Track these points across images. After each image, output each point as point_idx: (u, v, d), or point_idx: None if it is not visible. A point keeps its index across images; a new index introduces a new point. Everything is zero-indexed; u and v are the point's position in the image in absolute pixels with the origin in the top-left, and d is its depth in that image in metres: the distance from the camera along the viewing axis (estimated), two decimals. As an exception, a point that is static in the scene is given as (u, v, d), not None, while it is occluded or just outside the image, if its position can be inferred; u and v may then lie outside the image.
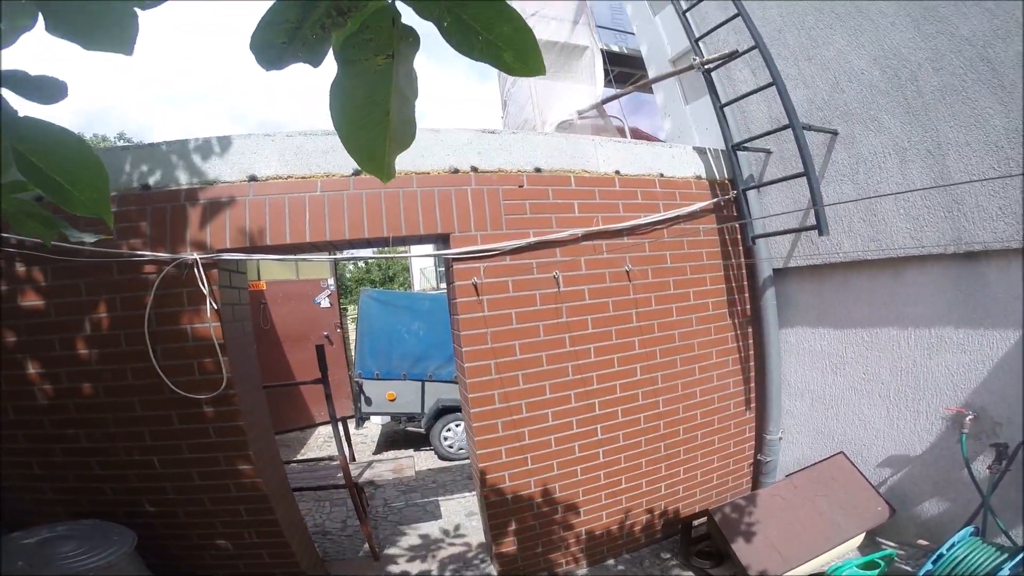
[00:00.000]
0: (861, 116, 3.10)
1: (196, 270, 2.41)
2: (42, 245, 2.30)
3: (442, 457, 5.87)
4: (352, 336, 8.07)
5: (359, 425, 6.02)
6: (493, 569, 3.27)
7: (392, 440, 6.80)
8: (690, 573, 3.20)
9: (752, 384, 3.70)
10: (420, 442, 6.30)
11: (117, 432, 2.54)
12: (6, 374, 2.46)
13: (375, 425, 6.46)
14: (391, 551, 3.82)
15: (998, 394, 2.68)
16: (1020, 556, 2.24)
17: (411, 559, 3.63)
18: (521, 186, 2.97)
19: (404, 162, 2.72)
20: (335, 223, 2.62)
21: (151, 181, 2.50)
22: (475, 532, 3.92)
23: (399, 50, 0.67)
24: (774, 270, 3.57)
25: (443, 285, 20.37)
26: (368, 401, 5.77)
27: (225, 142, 2.58)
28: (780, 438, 3.62)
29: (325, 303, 7.51)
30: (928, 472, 3.00)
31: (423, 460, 5.94)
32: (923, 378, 2.98)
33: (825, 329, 3.48)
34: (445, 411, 5.77)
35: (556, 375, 3.06)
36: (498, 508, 3.04)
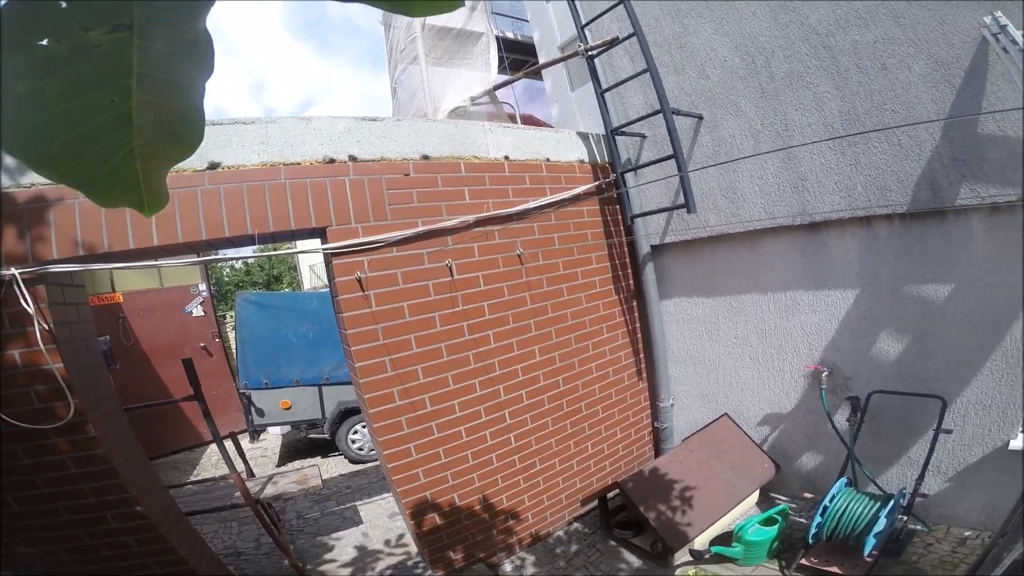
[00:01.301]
0: (723, 101, 3.43)
1: (16, 287, 2.08)
2: None
3: (353, 461, 5.73)
4: (234, 345, 7.49)
5: (254, 439, 5.68)
6: (428, 569, 3.28)
7: (296, 449, 6.51)
8: (613, 543, 3.43)
9: (642, 355, 4.01)
10: (328, 448, 6.11)
11: None
12: None
13: (274, 436, 6.14)
14: (317, 565, 3.71)
15: (845, 350, 3.14)
16: (891, 504, 2.57)
17: (345, 572, 3.55)
18: (407, 175, 2.93)
19: (270, 153, 2.57)
20: (188, 222, 2.40)
21: None
22: (403, 536, 3.91)
23: (152, 11, 0.41)
24: (652, 246, 3.88)
25: None
26: (260, 412, 5.44)
27: None
28: (672, 404, 3.97)
29: (198, 311, 6.91)
30: (800, 427, 3.46)
31: (333, 466, 5.77)
32: (784, 339, 3.43)
33: (699, 298, 3.87)
34: (349, 413, 5.61)
35: (458, 365, 3.10)
36: (418, 507, 3.05)
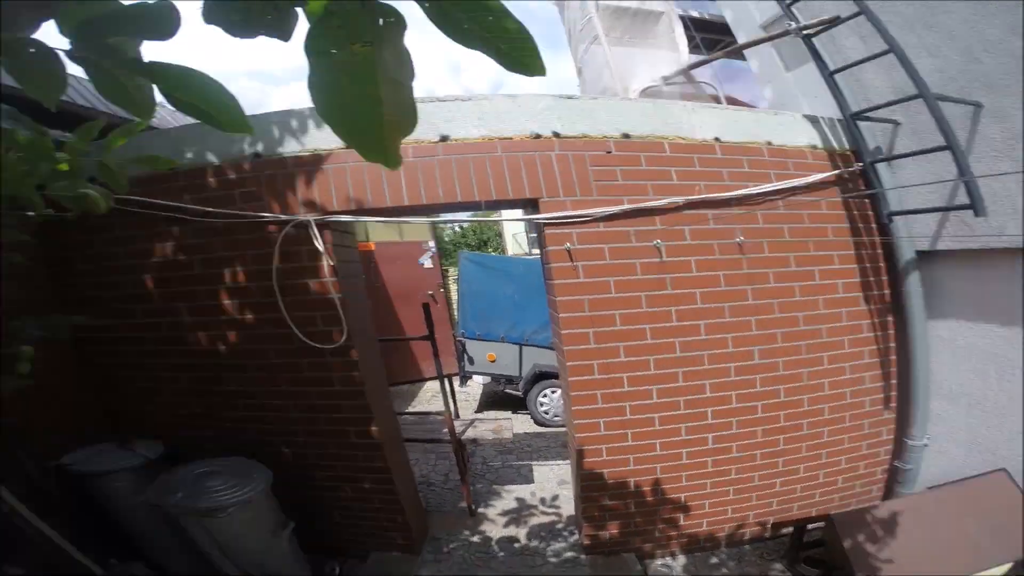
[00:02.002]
0: (1011, 89, 2.55)
1: (311, 230, 2.64)
2: (182, 208, 2.68)
3: (538, 422, 6.08)
4: (454, 296, 8.49)
5: (463, 383, 6.40)
6: (581, 543, 3.36)
7: (492, 400, 7.16)
8: (791, 576, 3.04)
9: (893, 381, 3.30)
10: (518, 405, 6.56)
11: (257, 377, 2.97)
12: (167, 321, 2.94)
13: (477, 384, 6.82)
14: (485, 510, 4.08)
15: None
16: None
17: (503, 521, 3.86)
18: (609, 152, 2.87)
19: (487, 128, 2.79)
20: (429, 188, 2.74)
21: (260, 149, 2.77)
22: (566, 502, 4.05)
23: (381, 34, 0.64)
24: (918, 252, 3.10)
25: (535, 251, 20.61)
26: (470, 360, 6.13)
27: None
28: (925, 445, 3.22)
29: (428, 264, 7.95)
30: None
31: (520, 423, 6.18)
32: None
33: (988, 325, 2.96)
34: (542, 376, 5.93)
35: (661, 350, 2.99)
36: (592, 482, 3.10)
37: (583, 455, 3.04)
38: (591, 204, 2.83)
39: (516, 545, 3.56)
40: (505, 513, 3.98)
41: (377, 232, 7.74)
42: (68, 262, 2.97)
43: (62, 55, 0.82)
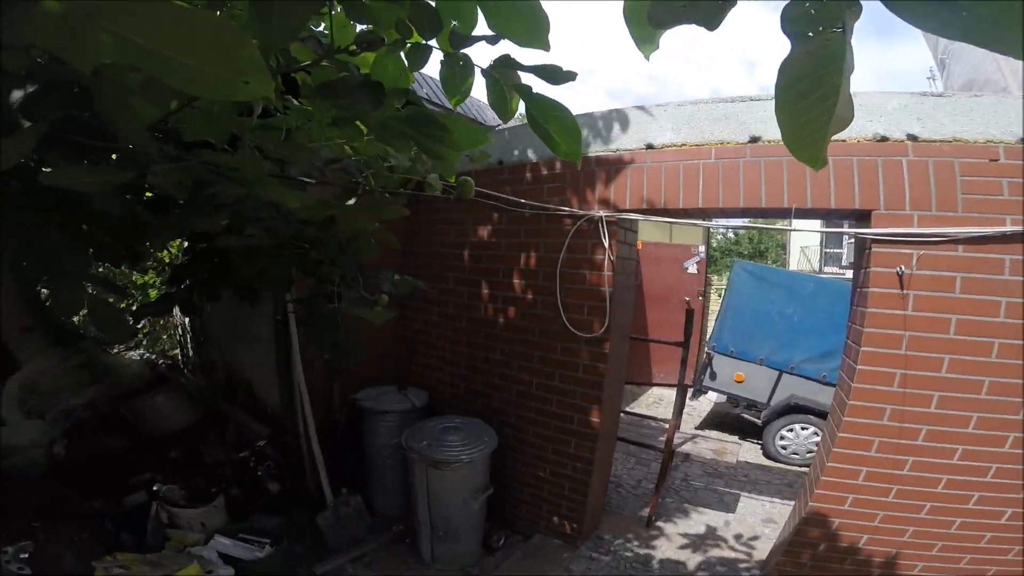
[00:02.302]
0: None
1: (600, 226, 2.86)
2: (500, 198, 3.18)
3: (768, 456, 5.41)
4: (712, 306, 8.02)
5: (694, 396, 6.02)
6: None
7: (719, 421, 6.64)
8: None
9: None
10: (749, 432, 5.93)
11: (518, 351, 3.38)
12: (468, 291, 3.57)
13: (708, 400, 6.38)
14: (665, 525, 3.85)
15: None
16: None
17: (680, 542, 3.60)
18: (995, 160, 2.22)
19: None
20: (729, 190, 2.62)
21: None
22: (762, 544, 3.56)
23: (846, 20, 0.57)
24: None
25: (828, 269, 17.69)
26: (712, 375, 5.73)
27: (622, 114, 2.91)
28: None
29: (692, 269, 7.68)
30: None
31: (745, 451, 5.58)
32: None
33: None
34: (794, 409, 5.21)
35: (996, 409, 2.30)
36: (815, 528, 2.64)
37: (821, 499, 2.59)
38: (949, 222, 2.29)
39: (682, 571, 3.29)
40: (686, 535, 3.69)
41: (646, 232, 7.74)
42: (415, 235, 3.88)
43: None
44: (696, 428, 6.32)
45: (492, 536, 3.49)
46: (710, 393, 5.97)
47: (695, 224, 3.21)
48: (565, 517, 3.42)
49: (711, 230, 8.53)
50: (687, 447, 3.89)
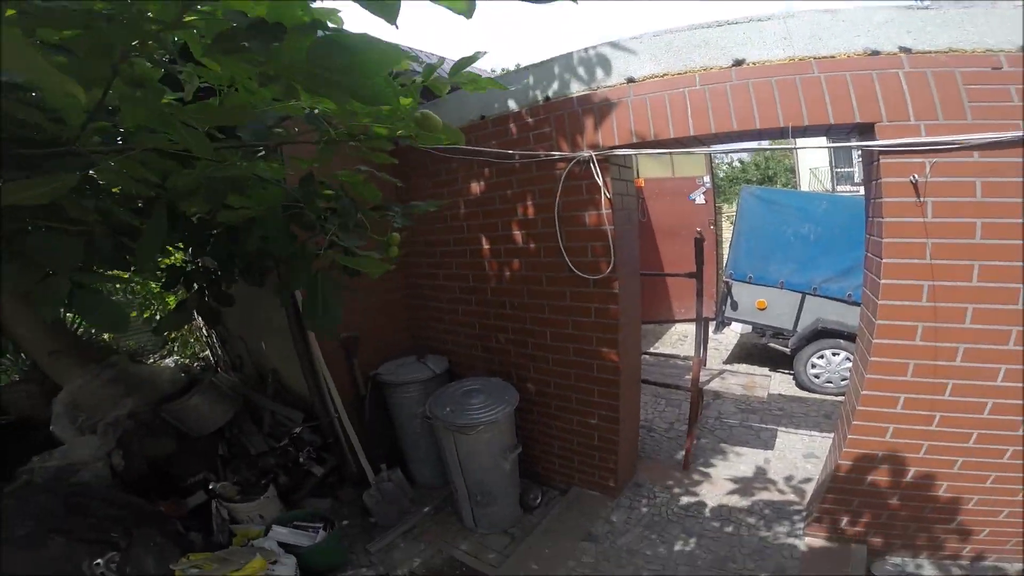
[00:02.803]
0: None
1: (592, 165, 2.75)
2: (482, 152, 3.08)
3: (801, 386, 5.28)
4: (726, 235, 7.86)
5: (718, 329, 5.90)
6: (807, 534, 2.90)
7: (747, 353, 6.51)
8: None
9: None
10: (779, 362, 5.78)
11: (528, 303, 3.33)
12: (470, 248, 3.52)
13: (733, 333, 6.24)
14: (703, 467, 3.79)
15: None
16: None
17: (721, 484, 3.54)
18: (997, 68, 2.05)
19: (795, 48, 2.33)
20: (719, 115, 2.47)
21: (550, 93, 2.92)
22: (804, 480, 3.50)
23: None
24: None
25: (840, 189, 17.03)
26: (734, 306, 5.58)
27: (598, 51, 2.74)
28: None
29: (700, 199, 7.51)
30: None
31: (778, 383, 5.46)
32: None
33: None
34: (822, 334, 5.06)
35: None
36: (858, 461, 2.59)
37: (860, 431, 2.52)
38: (959, 130, 2.13)
39: (725, 514, 3.22)
40: (726, 477, 3.63)
41: (648, 168, 7.58)
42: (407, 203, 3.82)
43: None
44: (724, 363, 6.22)
45: (529, 494, 3.52)
46: (734, 325, 5.83)
47: (691, 152, 3.06)
48: (598, 468, 3.44)
49: (715, 161, 8.25)
50: (715, 384, 3.77)
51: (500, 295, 3.47)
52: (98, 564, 2.45)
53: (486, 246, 3.45)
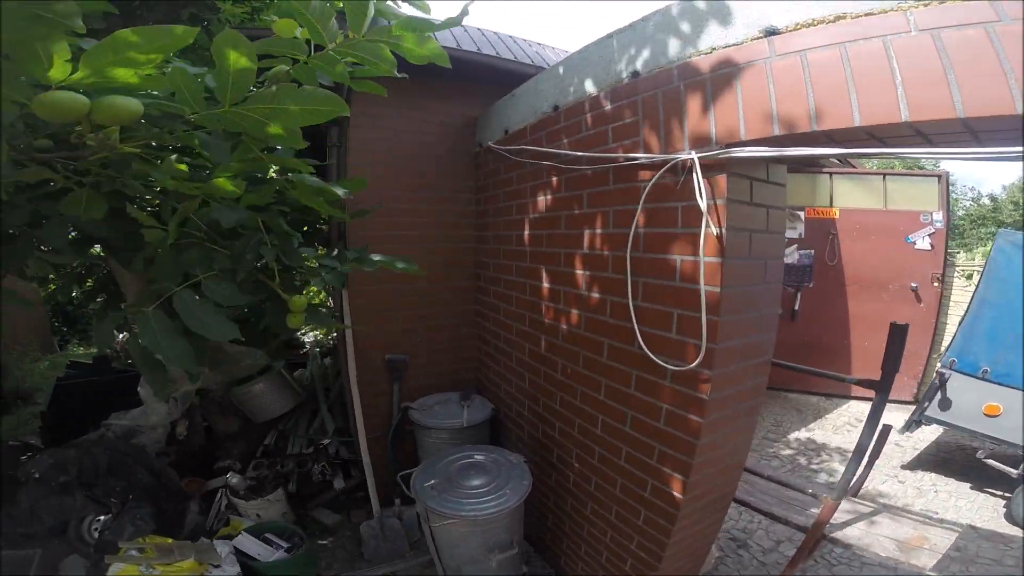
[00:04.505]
0: None
1: (694, 176, 1.50)
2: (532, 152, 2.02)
3: (1013, 520, 3.12)
4: (955, 298, 5.27)
5: (910, 428, 3.72)
6: None
7: (942, 458, 4.17)
8: None
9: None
10: (987, 480, 3.53)
11: (582, 374, 2.17)
12: (530, 283, 2.49)
13: (930, 429, 4.02)
14: None
15: None
16: None
17: None
18: None
19: None
20: (968, 82, 1.01)
21: (639, 65, 1.71)
22: None
23: None
24: None
25: None
26: (944, 404, 3.46)
27: None
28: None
29: (923, 243, 5.14)
30: None
31: (975, 508, 3.32)
32: None
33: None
34: None
35: None
36: None
37: None
38: None
39: None
40: None
41: (845, 194, 5.41)
42: (483, 214, 2.95)
43: None
44: (903, 466, 4.05)
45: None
46: (933, 425, 3.71)
47: (900, 155, 1.42)
48: None
49: (954, 191, 5.63)
50: (853, 531, 2.15)
51: (554, 352, 2.36)
52: (90, 523, 2.49)
53: (546, 284, 2.37)
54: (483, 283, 3.12)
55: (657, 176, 1.61)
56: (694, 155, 1.48)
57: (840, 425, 4.94)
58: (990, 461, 3.42)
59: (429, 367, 3.16)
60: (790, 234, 5.43)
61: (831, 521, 2.17)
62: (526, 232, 2.49)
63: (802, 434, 4.73)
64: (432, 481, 2.19)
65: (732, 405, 1.69)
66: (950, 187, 5.25)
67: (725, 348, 1.56)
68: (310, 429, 3.71)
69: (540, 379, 2.50)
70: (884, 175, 5.31)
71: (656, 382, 1.74)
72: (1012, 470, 3.26)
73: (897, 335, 1.69)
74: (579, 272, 2.10)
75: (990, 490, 3.60)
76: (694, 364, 1.55)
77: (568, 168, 2.07)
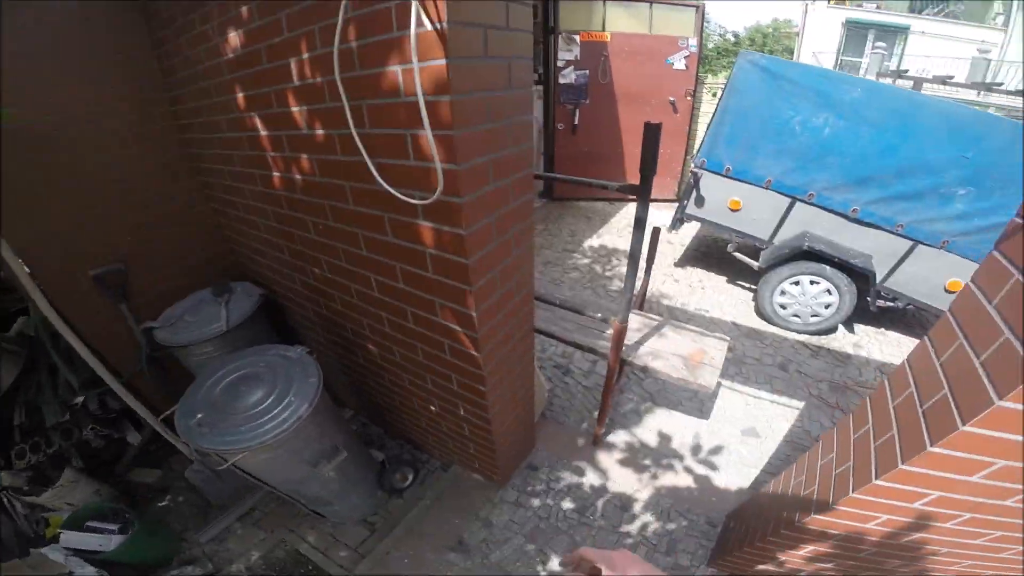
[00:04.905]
0: None
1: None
2: None
3: (761, 314, 3.95)
4: (704, 110, 5.93)
5: (674, 227, 4.26)
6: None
7: (704, 253, 5.06)
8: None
9: None
10: (740, 273, 4.40)
11: (336, 229, 1.76)
12: (247, 136, 1.85)
13: (691, 226, 4.75)
14: (617, 444, 2.67)
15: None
16: None
17: (633, 477, 2.48)
18: None
19: None
20: None
21: None
22: (725, 485, 2.45)
23: None
24: None
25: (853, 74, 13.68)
26: (699, 201, 3.96)
27: None
28: None
29: (680, 64, 5.54)
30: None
31: (732, 301, 4.13)
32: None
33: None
34: (806, 255, 3.57)
35: None
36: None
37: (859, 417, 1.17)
38: None
39: (628, 522, 2.26)
40: (643, 463, 2.56)
41: (617, 20, 5.43)
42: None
43: None
44: (675, 264, 4.79)
45: (395, 474, 2.44)
46: (693, 222, 4.27)
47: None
48: (476, 457, 2.25)
49: (706, 27, 6.01)
50: (645, 356, 2.30)
51: (297, 209, 1.88)
52: None
53: (263, 132, 1.77)
54: (196, 149, 2.33)
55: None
56: None
57: (622, 228, 5.66)
58: (737, 255, 4.08)
59: (162, 268, 2.42)
60: (567, 56, 5.52)
61: (627, 343, 2.28)
62: (225, 76, 1.77)
63: (594, 241, 5.26)
64: (199, 416, 1.70)
65: (501, 232, 1.47)
66: (704, 21, 5.57)
67: (472, 167, 1.26)
68: (59, 390, 2.79)
69: (297, 244, 2.04)
70: (651, 3, 5.40)
71: (409, 222, 1.43)
72: (754, 263, 3.92)
73: (650, 134, 1.59)
74: (295, 109, 1.55)
75: (740, 283, 4.41)
76: (437, 193, 1.23)
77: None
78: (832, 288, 3.58)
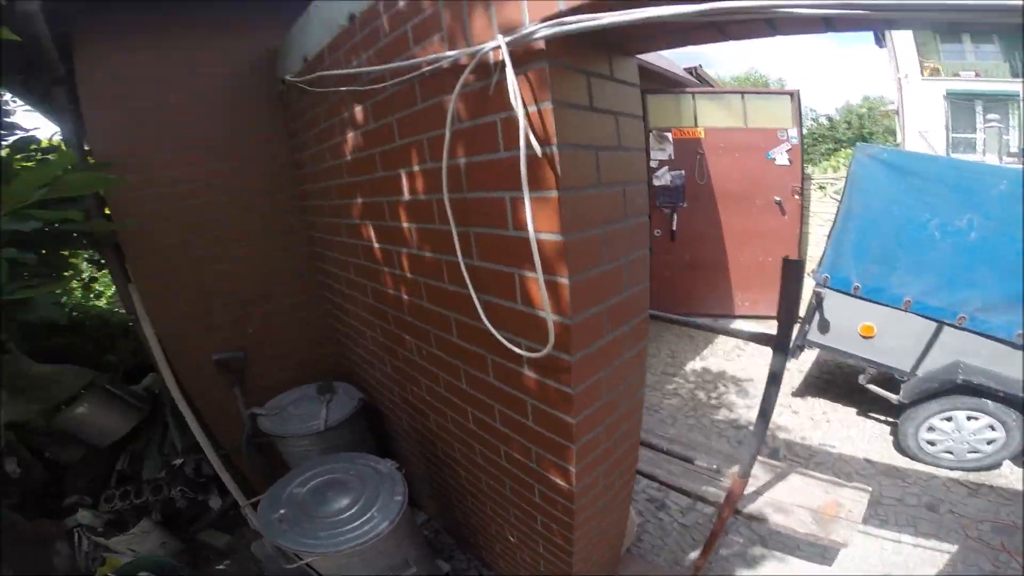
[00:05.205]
0: None
1: (504, 65, 0.94)
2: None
3: (903, 450, 3.13)
4: (813, 208, 5.39)
5: (792, 355, 3.51)
6: None
7: (825, 380, 4.13)
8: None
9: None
10: (871, 402, 3.44)
11: (437, 356, 1.66)
12: (361, 244, 1.88)
13: (811, 351, 3.83)
14: None
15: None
16: None
17: None
18: None
19: None
20: None
21: None
22: None
23: None
24: None
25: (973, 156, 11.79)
26: (823, 326, 3.29)
27: None
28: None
29: (782, 159, 5.15)
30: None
31: (864, 435, 3.36)
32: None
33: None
34: (960, 389, 2.82)
35: None
36: None
37: None
38: None
39: None
40: None
41: (708, 114, 5.21)
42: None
43: None
44: (792, 394, 3.95)
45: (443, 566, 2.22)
46: (815, 350, 3.55)
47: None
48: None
49: (802, 113, 5.63)
50: (763, 505, 1.90)
51: (404, 330, 1.83)
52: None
53: (376, 244, 1.78)
54: (319, 248, 2.46)
55: (462, 81, 1.05)
56: (501, 40, 0.92)
57: (730, 350, 4.93)
58: (871, 386, 3.32)
59: (277, 359, 2.51)
60: (661, 155, 5.22)
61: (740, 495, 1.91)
62: (344, 180, 1.86)
63: (697, 364, 4.67)
64: (280, 511, 1.65)
65: (611, 388, 1.27)
66: (802, 107, 5.25)
67: (585, 320, 1.10)
68: (164, 447, 2.95)
69: (399, 361, 1.98)
70: (742, 94, 5.22)
71: (513, 369, 1.28)
72: (892, 396, 3.16)
73: (791, 273, 1.28)
74: (405, 225, 1.53)
75: (874, 415, 3.57)
76: (547, 348, 1.08)
77: (372, 91, 1.44)
78: (996, 424, 2.83)
